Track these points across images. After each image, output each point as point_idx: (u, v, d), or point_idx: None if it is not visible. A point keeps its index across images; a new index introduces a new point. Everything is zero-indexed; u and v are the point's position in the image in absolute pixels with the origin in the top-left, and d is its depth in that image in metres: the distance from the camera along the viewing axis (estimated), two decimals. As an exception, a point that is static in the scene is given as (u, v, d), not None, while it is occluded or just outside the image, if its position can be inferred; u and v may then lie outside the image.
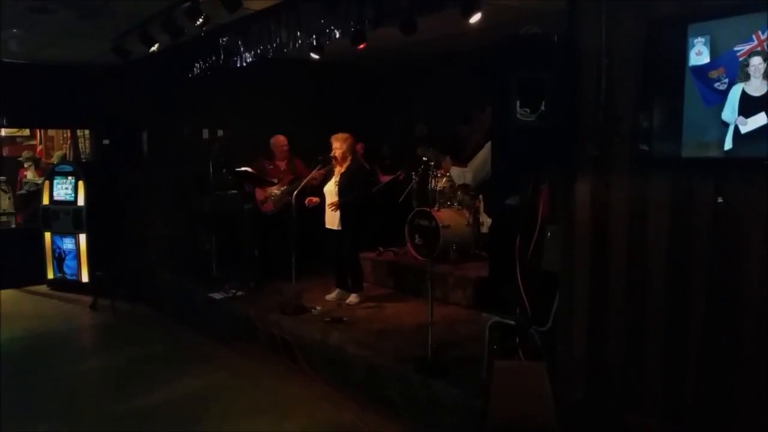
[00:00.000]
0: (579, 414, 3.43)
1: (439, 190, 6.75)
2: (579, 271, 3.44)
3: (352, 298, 6.12)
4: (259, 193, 7.03)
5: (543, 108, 3.16)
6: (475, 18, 4.82)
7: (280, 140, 7.04)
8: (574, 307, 3.48)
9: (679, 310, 3.01)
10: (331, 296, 6.27)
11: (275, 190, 6.89)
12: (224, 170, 7.25)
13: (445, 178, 6.75)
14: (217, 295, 6.72)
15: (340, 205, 5.87)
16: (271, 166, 7.04)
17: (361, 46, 5.50)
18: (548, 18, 3.63)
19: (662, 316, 3.08)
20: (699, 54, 2.83)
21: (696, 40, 2.84)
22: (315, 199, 6.17)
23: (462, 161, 6.20)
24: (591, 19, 3.22)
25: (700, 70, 2.84)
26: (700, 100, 2.85)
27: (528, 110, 3.17)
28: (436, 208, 6.55)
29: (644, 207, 3.12)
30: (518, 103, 3.19)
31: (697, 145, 2.88)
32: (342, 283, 6.29)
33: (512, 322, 3.82)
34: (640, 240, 3.15)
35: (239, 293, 6.59)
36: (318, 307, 5.93)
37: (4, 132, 10.49)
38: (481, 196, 6.50)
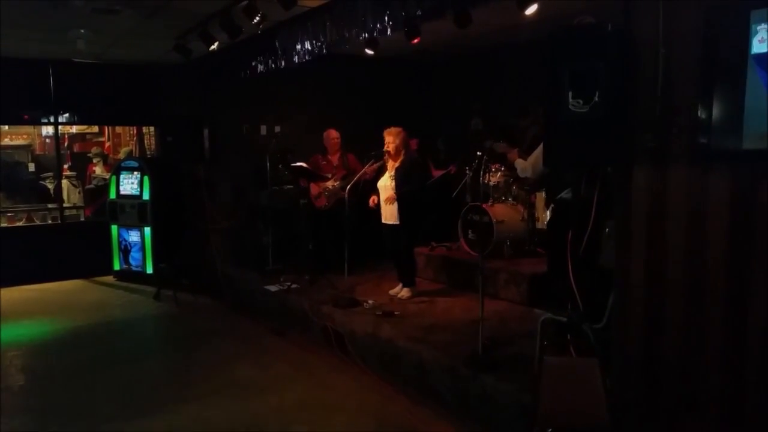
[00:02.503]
0: (632, 413, 3.34)
1: (493, 184, 6.68)
2: (635, 268, 3.34)
3: (404, 293, 6.13)
4: (313, 188, 7.14)
5: (596, 99, 3.08)
6: (531, 9, 4.74)
7: (331, 134, 7.13)
8: (630, 304, 3.38)
9: (739, 308, 2.89)
10: (395, 291, 6.27)
11: (329, 185, 6.98)
12: (280, 166, 7.38)
13: (499, 173, 6.68)
14: (272, 288, 6.88)
15: (397, 198, 5.87)
16: (324, 162, 7.14)
17: (415, 40, 5.50)
18: (605, 8, 3.53)
19: (721, 315, 2.96)
20: (762, 41, 2.70)
21: (759, 27, 2.70)
22: (376, 199, 6.18)
23: (520, 154, 6.12)
24: (647, 8, 3.11)
25: (764, 57, 2.70)
26: (763, 89, 2.71)
27: (580, 101, 3.10)
28: (489, 203, 6.50)
29: (703, 201, 3.00)
30: (570, 94, 3.12)
31: (760, 137, 2.74)
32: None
33: (564, 319, 3.75)
34: (699, 236, 3.03)
35: (294, 286, 6.72)
36: (370, 301, 5.97)
37: (74, 129, 10.96)
38: (539, 193, 6.40)
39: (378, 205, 6.15)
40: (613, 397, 3.26)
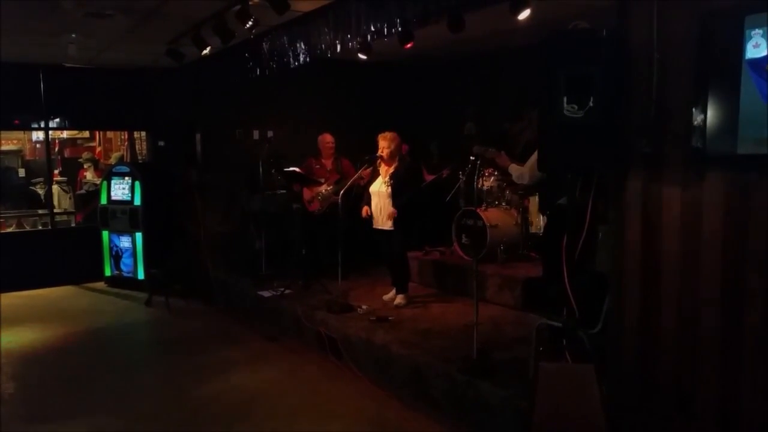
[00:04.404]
0: (628, 418, 3.34)
1: (487, 189, 6.68)
2: (630, 273, 3.35)
3: (399, 300, 6.10)
4: (307, 193, 7.12)
5: (591, 104, 3.08)
6: (524, 14, 4.76)
7: (326, 138, 7.13)
8: (625, 309, 3.39)
9: (734, 312, 2.90)
10: (389, 296, 6.25)
11: (322, 190, 6.97)
12: (273, 170, 7.36)
13: (493, 177, 6.67)
14: (266, 293, 6.84)
15: (398, 208, 5.81)
16: (318, 166, 7.12)
17: (409, 45, 5.50)
18: (599, 14, 3.54)
19: (717, 319, 2.97)
20: (756, 46, 2.72)
21: (753, 32, 2.72)
22: (368, 210, 6.16)
23: (513, 159, 6.11)
24: (642, 13, 3.13)
25: (758, 63, 2.72)
26: (757, 95, 2.73)
27: (576, 106, 3.10)
28: (483, 208, 6.48)
29: (698, 206, 3.01)
30: (565, 99, 3.12)
31: (755, 142, 2.76)
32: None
33: (559, 324, 3.74)
34: (694, 240, 3.04)
35: (287, 291, 6.69)
36: (364, 306, 5.96)
37: (65, 134, 10.88)
38: (532, 197, 6.39)
39: (371, 213, 6.14)
40: (609, 402, 3.25)
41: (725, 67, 2.84)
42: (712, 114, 2.89)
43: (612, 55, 3.14)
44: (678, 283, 3.12)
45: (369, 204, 6.11)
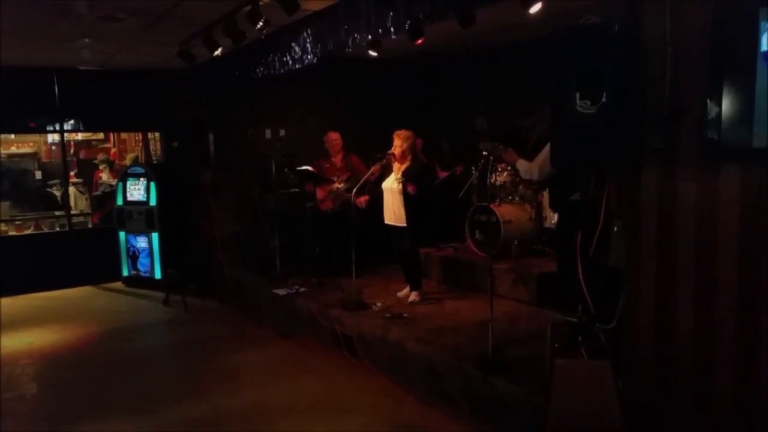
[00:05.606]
0: (645, 414, 3.32)
1: (500, 184, 6.65)
2: (645, 268, 3.33)
3: (413, 297, 6.10)
4: (319, 192, 7.14)
5: (604, 99, 3.06)
6: (535, 8, 4.72)
7: (331, 136, 7.15)
8: (640, 305, 3.37)
9: (750, 308, 2.87)
10: (403, 293, 6.27)
11: (333, 188, 6.98)
12: (286, 169, 7.38)
13: (506, 173, 6.65)
14: (280, 291, 6.88)
15: (415, 197, 5.80)
16: (328, 165, 7.14)
17: (419, 41, 5.48)
18: (611, 8, 3.51)
19: (733, 314, 2.94)
20: (772, 38, 2.68)
21: (768, 24, 2.69)
22: (363, 200, 6.20)
23: (524, 155, 6.09)
24: (654, 6, 3.10)
25: (773, 55, 2.69)
26: (773, 87, 2.70)
27: (588, 102, 3.08)
28: (496, 203, 6.47)
29: (713, 200, 2.99)
30: (578, 95, 3.11)
31: (771, 135, 2.73)
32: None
33: (574, 320, 3.73)
34: (710, 235, 3.01)
35: (302, 289, 6.72)
36: (378, 303, 5.97)
37: (80, 136, 10.98)
38: (545, 192, 6.37)
39: (369, 205, 6.16)
40: (625, 398, 3.24)
41: (740, 60, 2.80)
42: (726, 108, 2.86)
43: (624, 49, 3.12)
44: (694, 279, 3.10)
45: (380, 200, 6.11)
